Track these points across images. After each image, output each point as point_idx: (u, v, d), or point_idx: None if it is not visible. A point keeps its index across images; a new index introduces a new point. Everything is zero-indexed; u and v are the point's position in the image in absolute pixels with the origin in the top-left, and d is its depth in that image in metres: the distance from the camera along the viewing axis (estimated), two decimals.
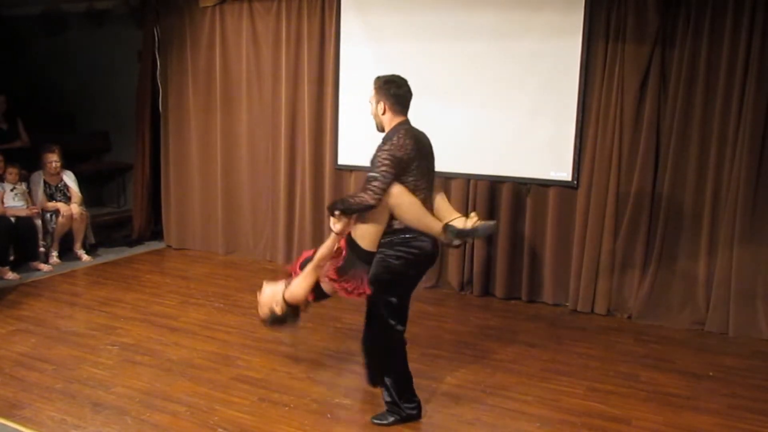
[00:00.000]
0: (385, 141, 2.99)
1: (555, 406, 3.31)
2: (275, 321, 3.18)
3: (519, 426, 3.11)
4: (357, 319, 4.28)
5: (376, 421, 3.12)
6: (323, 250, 3.05)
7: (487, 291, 5.13)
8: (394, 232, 2.96)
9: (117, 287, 5.16)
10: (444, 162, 5.04)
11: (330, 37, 5.43)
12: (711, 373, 3.76)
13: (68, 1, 6.90)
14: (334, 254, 3.04)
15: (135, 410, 3.16)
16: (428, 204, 3.06)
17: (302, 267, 3.15)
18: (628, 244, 4.65)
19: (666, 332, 4.43)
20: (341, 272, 2.98)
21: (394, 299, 3.02)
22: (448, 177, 5.12)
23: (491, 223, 3.16)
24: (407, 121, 3.08)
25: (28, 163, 5.90)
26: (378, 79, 3.10)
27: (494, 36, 4.83)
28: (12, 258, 5.51)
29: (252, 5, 5.74)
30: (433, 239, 3.02)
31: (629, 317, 4.67)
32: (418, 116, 5.20)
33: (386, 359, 3.13)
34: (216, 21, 5.92)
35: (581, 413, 3.23)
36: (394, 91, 3.03)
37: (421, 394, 3.38)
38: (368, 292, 2.96)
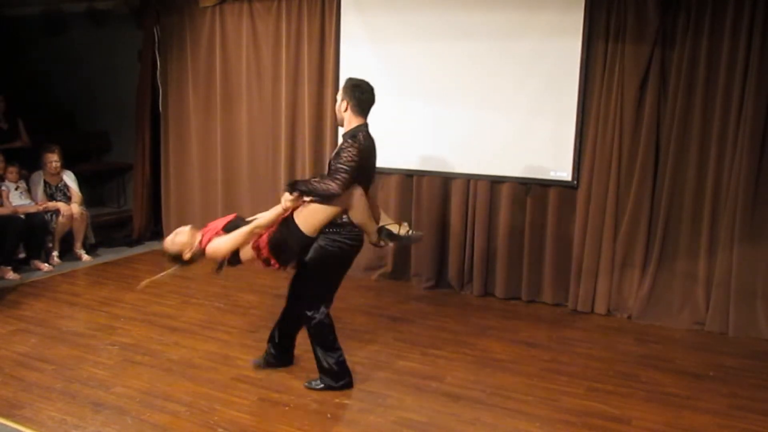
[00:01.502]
0: (348, 138, 3.25)
1: (555, 406, 3.30)
2: (176, 261, 3.30)
3: (519, 426, 3.11)
4: (357, 320, 4.30)
5: (308, 385, 3.42)
6: (263, 221, 3.29)
7: (487, 291, 5.13)
8: (340, 225, 3.27)
9: (117, 287, 5.16)
10: (444, 162, 5.10)
11: (330, 37, 5.42)
12: (711, 373, 3.76)
13: (68, 1, 6.90)
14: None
15: (135, 410, 3.16)
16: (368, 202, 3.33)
17: (226, 230, 3.30)
18: (628, 244, 4.64)
19: (666, 332, 4.43)
20: (272, 244, 3.23)
21: (325, 283, 3.37)
22: (448, 177, 5.13)
23: (420, 233, 3.49)
24: (366, 125, 3.32)
25: (28, 163, 5.90)
26: (349, 80, 3.35)
27: (494, 36, 4.83)
28: (23, 256, 5.54)
29: (252, 5, 5.75)
30: (362, 235, 3.35)
31: (629, 317, 4.67)
32: (418, 116, 5.25)
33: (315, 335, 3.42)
34: (216, 21, 5.92)
35: (581, 413, 3.23)
36: (359, 95, 3.28)
37: (421, 394, 3.40)
38: (277, 266, 3.28)
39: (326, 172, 3.35)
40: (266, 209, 6.11)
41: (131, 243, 6.49)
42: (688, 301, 4.53)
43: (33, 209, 5.60)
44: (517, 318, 4.66)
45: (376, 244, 3.45)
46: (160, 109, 6.36)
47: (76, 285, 5.26)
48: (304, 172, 5.71)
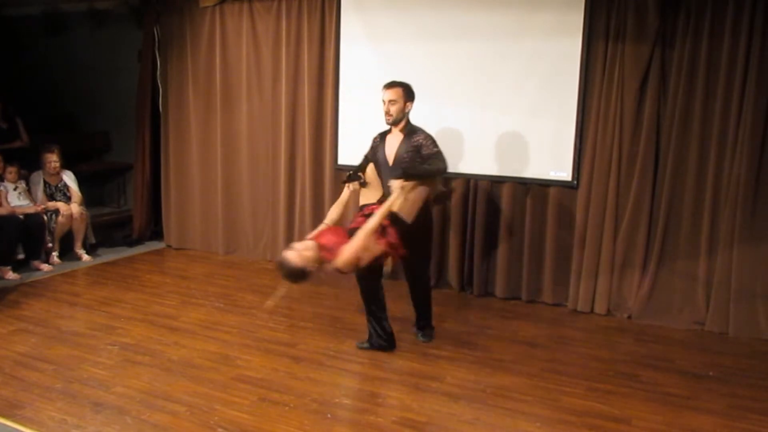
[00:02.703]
0: (419, 133, 3.84)
1: (555, 406, 3.31)
2: (295, 276, 3.38)
3: (519, 426, 3.11)
4: (357, 320, 4.30)
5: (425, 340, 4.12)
6: (377, 219, 3.47)
7: (487, 291, 5.13)
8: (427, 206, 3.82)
9: (117, 287, 5.16)
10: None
11: (330, 37, 5.43)
12: (711, 373, 3.76)
13: (68, 1, 6.90)
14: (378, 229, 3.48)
15: (135, 410, 3.16)
16: None
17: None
18: (628, 244, 4.65)
19: (666, 332, 4.43)
20: (403, 239, 3.54)
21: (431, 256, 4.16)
22: (448, 177, 5.12)
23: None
24: None
25: (28, 163, 5.91)
26: (407, 85, 3.85)
27: (494, 36, 4.84)
28: (21, 257, 5.55)
29: (252, 5, 5.75)
30: None
31: (629, 317, 4.67)
32: (418, 116, 5.23)
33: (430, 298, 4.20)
34: (216, 21, 5.92)
35: (581, 413, 3.23)
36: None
37: (421, 394, 3.41)
38: (404, 252, 3.63)
39: (388, 167, 3.84)
40: (266, 209, 6.19)
41: (131, 243, 6.49)
42: (688, 301, 4.53)
43: (31, 210, 5.60)
44: (517, 318, 4.66)
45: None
46: (160, 108, 6.36)
47: (76, 285, 5.27)
48: (303, 172, 5.72)
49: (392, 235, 3.49)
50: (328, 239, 3.47)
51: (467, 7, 4.88)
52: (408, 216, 3.58)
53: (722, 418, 3.22)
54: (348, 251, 3.33)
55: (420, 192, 3.65)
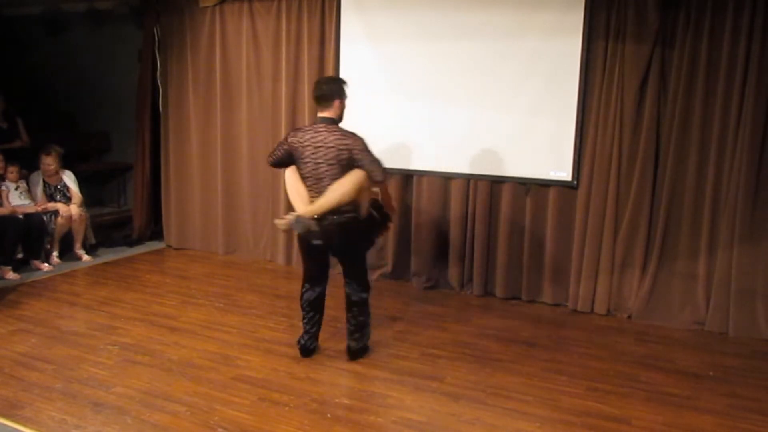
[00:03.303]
0: None
1: (555, 406, 3.31)
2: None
3: (519, 426, 3.11)
4: None
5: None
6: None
7: (487, 291, 5.13)
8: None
9: (117, 287, 5.16)
10: (444, 162, 5.11)
11: (330, 37, 5.43)
12: (711, 373, 3.76)
13: (68, 1, 6.90)
14: None
15: (135, 410, 3.16)
16: (317, 192, 3.57)
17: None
18: (628, 244, 4.65)
19: (666, 332, 4.43)
20: None
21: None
22: (448, 177, 5.13)
23: (304, 222, 3.48)
24: (317, 119, 3.65)
25: (28, 163, 5.91)
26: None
27: (494, 36, 4.84)
28: (21, 256, 5.55)
29: (252, 5, 5.75)
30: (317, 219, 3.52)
31: (629, 317, 4.67)
32: (418, 116, 5.25)
33: None
34: (216, 21, 5.92)
35: (581, 413, 3.24)
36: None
37: (421, 394, 3.41)
38: None
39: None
40: (266, 209, 6.19)
41: (131, 243, 6.49)
42: (688, 301, 4.53)
43: (32, 209, 5.61)
44: (517, 318, 4.66)
45: None
46: (160, 108, 6.36)
47: (76, 285, 5.26)
48: None
49: None
50: None
51: (467, 7, 4.88)
52: None
53: (722, 418, 3.22)
54: None
55: None
